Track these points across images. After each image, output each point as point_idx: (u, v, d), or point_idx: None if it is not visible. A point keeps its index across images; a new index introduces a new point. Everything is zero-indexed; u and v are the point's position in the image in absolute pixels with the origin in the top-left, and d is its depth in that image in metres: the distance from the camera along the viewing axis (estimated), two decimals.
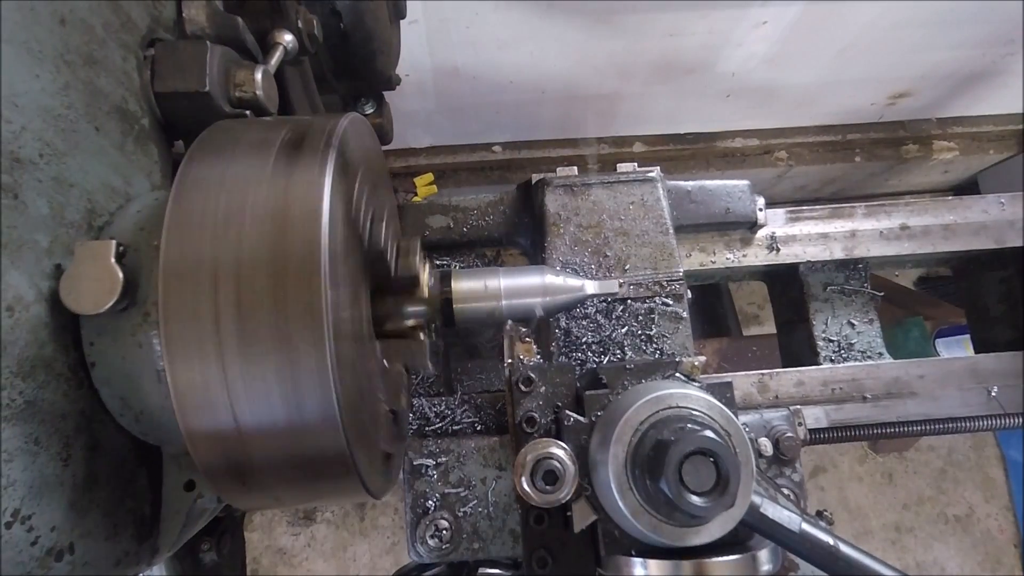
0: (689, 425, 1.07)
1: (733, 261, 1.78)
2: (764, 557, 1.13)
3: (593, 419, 1.25)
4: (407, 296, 1.25)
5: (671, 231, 1.60)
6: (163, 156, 1.27)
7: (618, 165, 1.67)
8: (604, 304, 1.54)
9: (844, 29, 3.13)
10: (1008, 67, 3.48)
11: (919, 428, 1.66)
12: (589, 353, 1.53)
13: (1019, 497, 4.26)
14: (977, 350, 1.99)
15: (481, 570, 1.48)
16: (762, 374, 1.69)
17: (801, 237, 1.79)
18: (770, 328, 4.38)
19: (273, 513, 4.21)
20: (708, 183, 1.74)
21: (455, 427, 1.55)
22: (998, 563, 4.20)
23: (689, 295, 1.57)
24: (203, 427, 0.89)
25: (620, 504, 1.09)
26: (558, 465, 1.16)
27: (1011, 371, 1.68)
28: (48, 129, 0.97)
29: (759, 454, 1.39)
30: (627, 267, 1.57)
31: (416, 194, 3.13)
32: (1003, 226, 1.77)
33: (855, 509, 4.29)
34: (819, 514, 1.32)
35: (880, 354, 1.78)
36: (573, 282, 1.40)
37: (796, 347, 1.89)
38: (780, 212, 1.81)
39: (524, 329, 1.41)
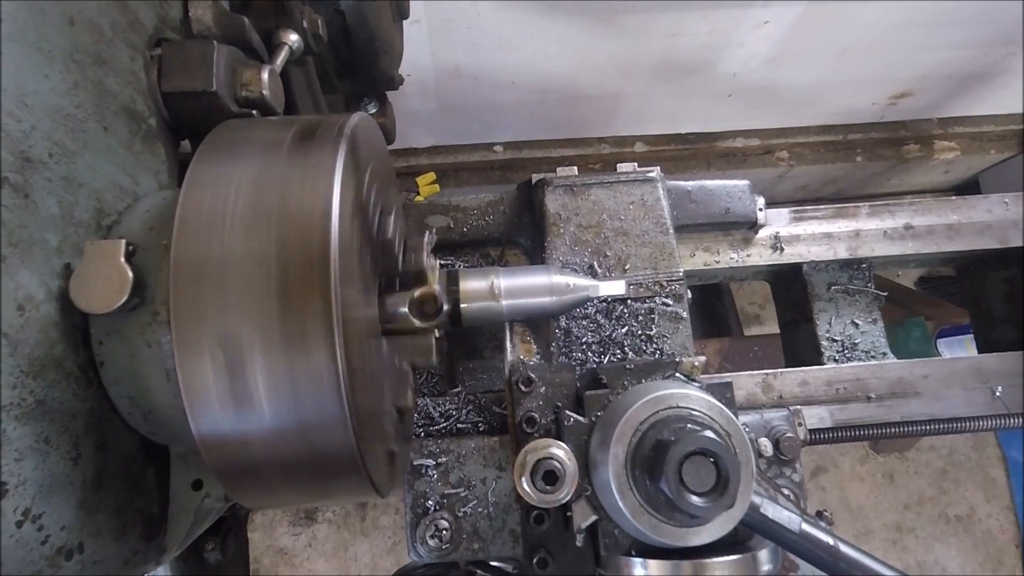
0: (689, 425, 1.08)
1: (737, 261, 1.78)
2: (764, 557, 1.13)
3: (593, 419, 1.25)
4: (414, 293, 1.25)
5: (671, 231, 1.60)
6: (170, 156, 1.27)
7: (618, 165, 1.67)
8: (604, 304, 1.54)
9: (845, 29, 3.13)
10: (1009, 67, 3.48)
11: (923, 428, 1.66)
12: (589, 353, 1.53)
13: (1020, 497, 4.26)
14: (980, 350, 2.00)
15: (479, 572, 1.48)
16: (766, 374, 1.70)
17: (805, 237, 1.80)
18: (771, 328, 4.40)
19: (274, 513, 4.20)
20: (708, 183, 1.74)
21: (459, 426, 1.55)
22: (999, 563, 4.20)
23: (689, 295, 1.57)
24: (213, 427, 0.89)
25: (620, 504, 1.09)
26: (558, 465, 1.16)
27: (1015, 371, 1.69)
28: (58, 129, 0.97)
29: (759, 454, 1.39)
30: (627, 267, 1.57)
31: (418, 193, 3.12)
32: (1007, 226, 1.78)
33: (856, 509, 4.29)
34: (819, 514, 1.32)
35: (884, 354, 1.78)
36: (580, 282, 1.40)
37: (800, 347, 1.89)
38: (784, 212, 1.81)
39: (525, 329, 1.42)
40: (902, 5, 2.98)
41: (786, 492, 1.36)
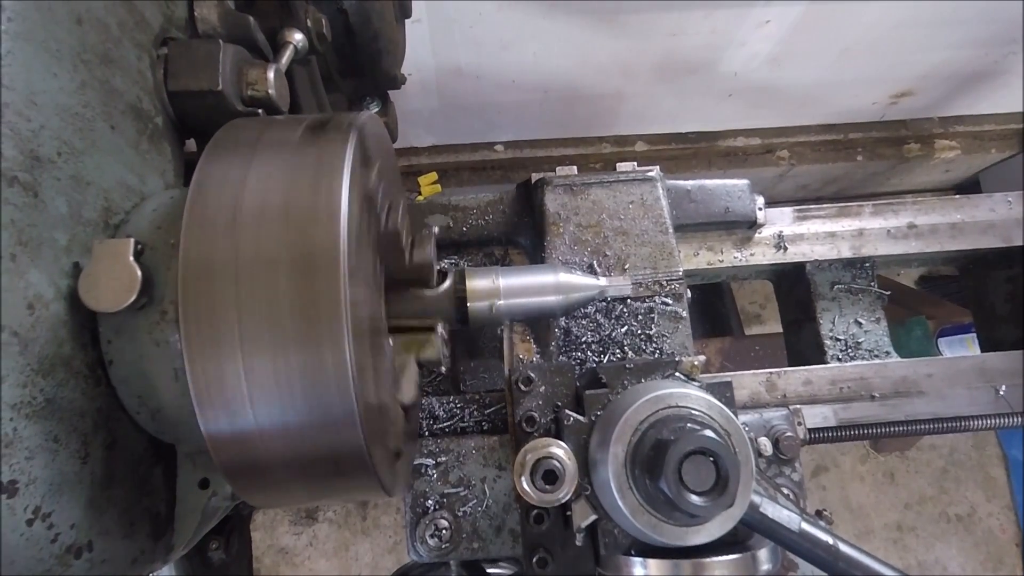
0: (689, 424, 1.08)
1: (741, 260, 1.79)
2: (763, 556, 1.13)
3: (593, 418, 1.25)
4: (421, 291, 1.25)
5: (670, 230, 1.60)
6: (176, 155, 1.27)
7: (617, 164, 1.67)
8: (604, 303, 1.54)
9: (847, 28, 3.13)
10: (1010, 66, 3.48)
11: (927, 427, 1.67)
12: (589, 352, 1.54)
13: (1020, 496, 4.26)
14: (983, 349, 2.00)
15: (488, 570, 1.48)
16: (770, 373, 1.70)
17: (808, 236, 1.80)
18: (772, 327, 4.41)
19: (275, 512, 4.20)
20: (707, 182, 1.74)
21: (463, 425, 1.55)
22: (1000, 563, 4.20)
23: (688, 294, 1.57)
24: (222, 426, 0.89)
25: (620, 503, 1.09)
26: (558, 465, 1.16)
27: (1018, 370, 1.69)
28: (66, 128, 0.97)
29: (759, 454, 1.39)
30: (627, 266, 1.57)
31: (420, 193, 3.12)
32: (1010, 225, 1.78)
33: (857, 508, 4.29)
34: (818, 513, 1.33)
35: (887, 353, 1.78)
36: (586, 280, 1.40)
37: (803, 346, 1.90)
38: (788, 211, 1.81)
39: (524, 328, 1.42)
40: (903, 5, 2.98)
41: (786, 491, 1.36)
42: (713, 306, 4.48)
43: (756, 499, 1.10)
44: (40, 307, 0.89)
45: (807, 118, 3.88)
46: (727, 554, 1.11)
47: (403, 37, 2.08)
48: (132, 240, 0.96)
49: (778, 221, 1.80)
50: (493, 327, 1.58)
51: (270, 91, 1.30)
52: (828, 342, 1.80)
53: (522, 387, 1.34)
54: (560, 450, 1.18)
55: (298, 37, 1.50)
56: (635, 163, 1.67)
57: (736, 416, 1.12)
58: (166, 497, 1.14)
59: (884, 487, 4.35)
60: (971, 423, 1.67)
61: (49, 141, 0.93)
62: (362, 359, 0.92)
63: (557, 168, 1.68)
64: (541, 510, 1.29)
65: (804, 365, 1.74)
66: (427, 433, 1.53)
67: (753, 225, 1.76)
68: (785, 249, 1.79)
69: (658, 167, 1.66)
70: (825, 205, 1.81)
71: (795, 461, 1.40)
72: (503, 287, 1.32)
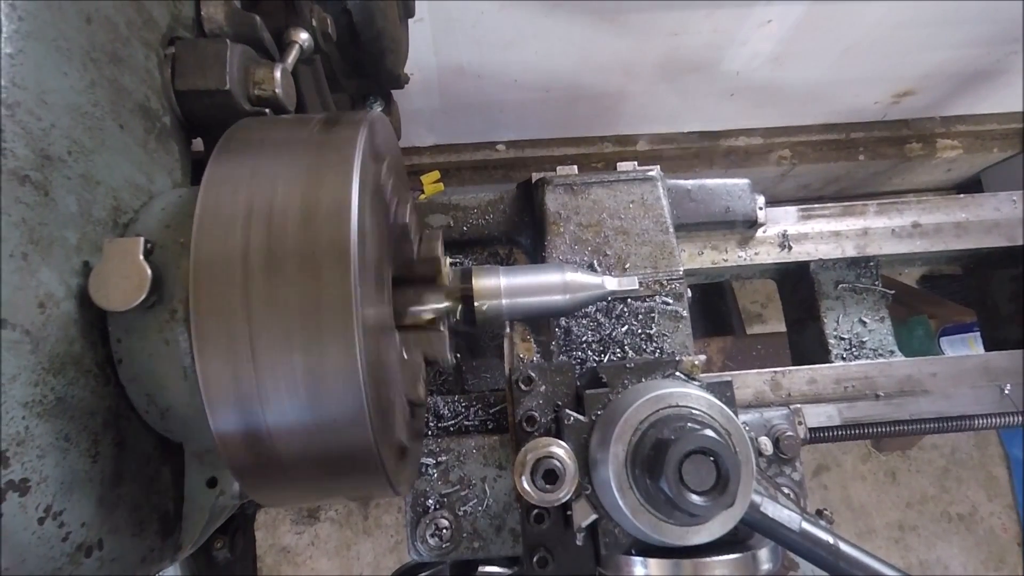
0: (689, 424, 1.07)
1: (745, 259, 1.79)
2: (764, 556, 1.13)
3: (593, 418, 1.25)
4: (428, 287, 1.25)
5: (671, 230, 1.60)
6: (183, 154, 1.27)
7: (618, 164, 1.67)
8: (604, 303, 1.54)
9: (849, 28, 3.13)
10: (1012, 66, 3.49)
11: (932, 426, 1.67)
12: (589, 352, 1.54)
13: (1022, 495, 4.27)
14: (987, 348, 2.00)
15: (481, 568, 1.48)
16: (775, 372, 1.70)
17: (813, 235, 1.80)
18: (774, 327, 4.42)
19: (277, 512, 4.20)
20: (708, 182, 1.74)
21: (467, 424, 1.55)
22: (1001, 562, 4.21)
23: (689, 294, 1.57)
24: (232, 425, 0.89)
25: (620, 503, 1.09)
26: (558, 464, 1.16)
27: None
28: (76, 127, 0.97)
29: (759, 453, 1.39)
30: (627, 266, 1.57)
31: (423, 192, 3.12)
32: (1015, 224, 1.78)
33: (858, 508, 4.30)
34: (819, 513, 1.33)
35: (892, 352, 1.78)
36: (593, 279, 1.40)
37: (807, 345, 1.90)
38: (792, 210, 1.81)
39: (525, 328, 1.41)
40: (905, 4, 2.99)
41: (786, 491, 1.36)
42: (714, 305, 4.48)
43: (756, 499, 1.10)
44: (51, 306, 0.89)
45: (809, 117, 3.89)
46: (728, 554, 1.11)
47: (406, 36, 2.08)
48: (142, 239, 0.96)
49: (782, 220, 1.80)
50: (499, 327, 1.58)
51: (277, 90, 1.30)
52: (832, 341, 1.80)
53: (522, 386, 1.34)
54: (560, 450, 1.18)
55: (304, 37, 1.50)
56: (636, 162, 1.67)
57: (736, 415, 1.12)
58: (174, 496, 1.14)
59: (886, 486, 4.35)
60: (976, 422, 1.67)
61: (60, 140, 0.93)
62: (371, 357, 0.92)
63: (558, 168, 1.68)
64: (541, 510, 1.29)
65: (808, 364, 1.74)
66: (432, 432, 1.53)
67: (753, 224, 1.76)
68: (789, 248, 1.79)
69: (658, 166, 1.66)
70: (829, 204, 1.81)
71: (796, 460, 1.40)
72: (510, 286, 1.32)
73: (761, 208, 1.74)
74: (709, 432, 1.03)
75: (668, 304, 1.55)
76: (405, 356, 1.23)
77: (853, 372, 1.70)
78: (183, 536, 1.16)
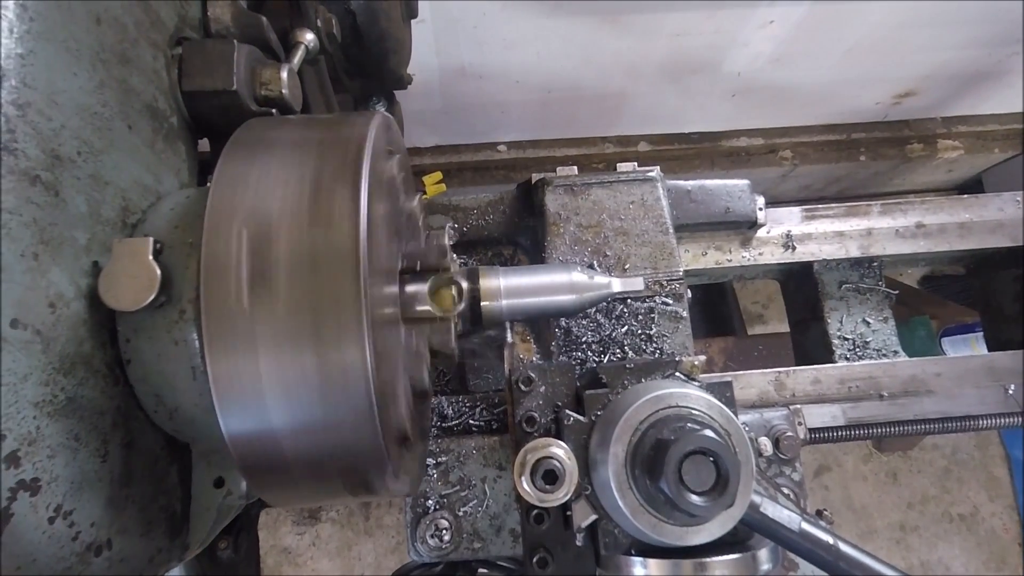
0: (689, 424, 1.08)
1: (749, 260, 1.79)
2: (764, 556, 1.13)
3: (593, 418, 1.25)
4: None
5: (671, 230, 1.61)
6: (190, 154, 1.27)
7: (618, 165, 1.67)
8: (604, 303, 1.54)
9: (850, 29, 3.14)
10: (1013, 66, 3.49)
11: (936, 426, 1.67)
12: (589, 352, 1.54)
13: (1023, 496, 4.27)
14: (991, 348, 2.01)
15: (480, 570, 1.48)
16: (779, 372, 1.70)
17: (817, 235, 1.80)
18: (775, 327, 4.41)
19: (278, 512, 4.20)
20: (708, 182, 1.75)
21: (472, 423, 1.55)
22: (1003, 562, 4.20)
23: (689, 294, 1.57)
24: (242, 425, 0.89)
25: (620, 503, 1.09)
26: (558, 464, 1.16)
27: None
28: (86, 127, 0.97)
29: (759, 453, 1.39)
30: (627, 266, 1.57)
31: (425, 192, 3.13)
32: (1019, 224, 1.78)
33: (860, 508, 4.30)
34: (819, 513, 1.33)
35: (896, 352, 1.79)
36: (599, 280, 1.40)
37: (811, 345, 1.90)
38: (796, 211, 1.82)
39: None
40: (906, 5, 2.99)
41: (786, 491, 1.36)
42: (715, 306, 4.48)
43: (756, 499, 1.10)
44: (61, 306, 0.89)
45: (810, 118, 3.89)
46: (727, 554, 1.11)
47: (409, 37, 2.08)
48: (151, 239, 0.97)
49: (786, 221, 1.81)
50: (503, 327, 1.58)
51: (284, 91, 1.30)
52: (836, 341, 1.81)
53: (522, 387, 1.34)
54: (560, 450, 1.18)
55: (309, 37, 1.51)
56: (636, 163, 1.68)
57: (736, 416, 1.13)
58: (181, 496, 1.15)
59: (887, 487, 4.35)
60: (980, 422, 1.67)
61: (69, 140, 0.94)
62: (379, 355, 0.92)
63: (558, 168, 1.68)
64: (541, 510, 1.29)
65: (812, 364, 1.74)
66: (436, 433, 1.53)
67: (754, 225, 1.76)
68: (793, 248, 1.80)
69: (658, 167, 1.66)
70: (833, 205, 1.81)
71: (795, 461, 1.40)
72: (515, 286, 1.32)
73: (761, 209, 1.74)
74: (709, 432, 1.03)
75: (668, 304, 1.55)
76: (411, 347, 1.23)
77: (857, 372, 1.71)
78: (190, 536, 1.16)
